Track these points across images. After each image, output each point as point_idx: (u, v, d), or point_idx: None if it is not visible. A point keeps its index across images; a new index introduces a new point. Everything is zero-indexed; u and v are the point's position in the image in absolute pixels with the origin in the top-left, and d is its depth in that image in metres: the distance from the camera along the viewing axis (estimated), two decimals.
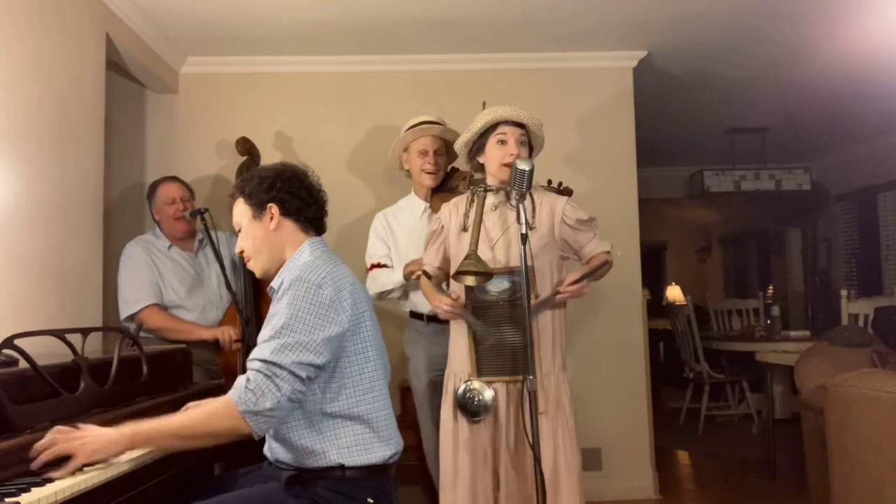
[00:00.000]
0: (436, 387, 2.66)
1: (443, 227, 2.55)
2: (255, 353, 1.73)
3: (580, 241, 2.48)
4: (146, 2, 3.27)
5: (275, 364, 1.69)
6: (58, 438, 1.53)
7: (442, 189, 3.02)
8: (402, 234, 3.03)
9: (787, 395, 5.75)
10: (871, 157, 6.49)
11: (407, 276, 2.87)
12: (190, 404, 1.94)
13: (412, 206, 3.09)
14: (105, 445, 1.58)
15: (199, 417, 1.71)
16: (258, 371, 1.69)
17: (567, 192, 3.20)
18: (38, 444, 1.51)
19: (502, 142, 2.41)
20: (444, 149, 3.02)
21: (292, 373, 1.69)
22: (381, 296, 2.98)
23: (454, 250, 2.48)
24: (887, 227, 6.49)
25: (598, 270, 2.47)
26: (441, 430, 2.46)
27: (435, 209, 2.91)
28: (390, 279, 2.93)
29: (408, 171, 3.10)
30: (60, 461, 1.51)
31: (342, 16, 3.45)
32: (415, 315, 3.01)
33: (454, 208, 2.55)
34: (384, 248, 3.02)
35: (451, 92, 4.00)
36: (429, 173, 2.99)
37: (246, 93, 4.02)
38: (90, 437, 1.56)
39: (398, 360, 3.78)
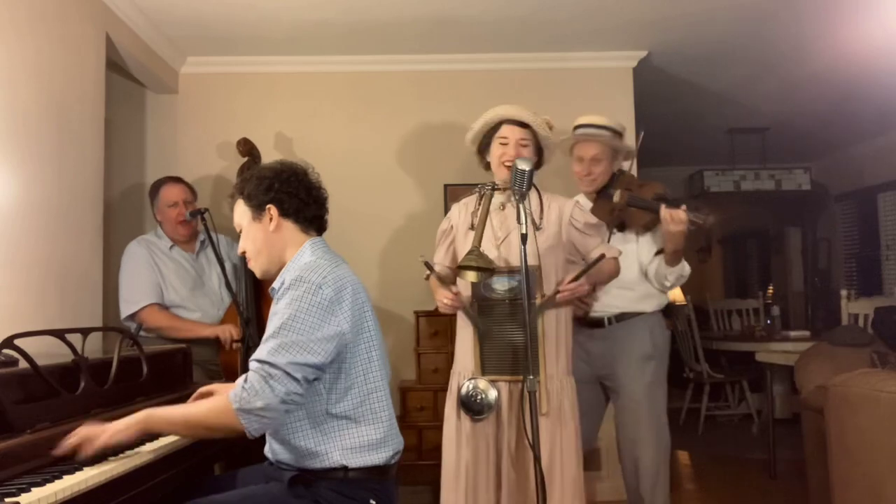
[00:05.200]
0: None
1: (452, 226, 2.55)
2: (255, 354, 1.75)
3: (588, 245, 2.47)
4: (146, 2, 3.27)
5: (270, 364, 1.69)
6: (82, 429, 1.64)
7: (602, 195, 2.93)
8: None
9: (787, 395, 5.75)
10: (871, 157, 6.49)
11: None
12: (201, 389, 2.03)
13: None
14: (124, 427, 1.68)
15: (202, 411, 1.76)
16: (255, 371, 1.71)
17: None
18: (65, 441, 1.62)
19: (503, 143, 2.41)
20: (608, 154, 2.93)
21: (287, 373, 1.69)
22: None
23: (462, 249, 2.47)
24: (887, 227, 6.49)
25: (600, 272, 2.44)
26: (444, 427, 2.45)
27: (595, 214, 2.82)
28: None
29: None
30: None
31: (342, 16, 3.46)
32: None
33: (463, 207, 2.54)
34: None
35: (452, 92, 4.01)
36: (583, 180, 2.96)
37: (246, 93, 4.02)
38: (111, 424, 1.69)
39: (397, 360, 3.80)
